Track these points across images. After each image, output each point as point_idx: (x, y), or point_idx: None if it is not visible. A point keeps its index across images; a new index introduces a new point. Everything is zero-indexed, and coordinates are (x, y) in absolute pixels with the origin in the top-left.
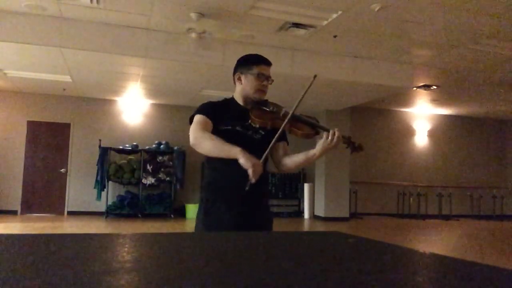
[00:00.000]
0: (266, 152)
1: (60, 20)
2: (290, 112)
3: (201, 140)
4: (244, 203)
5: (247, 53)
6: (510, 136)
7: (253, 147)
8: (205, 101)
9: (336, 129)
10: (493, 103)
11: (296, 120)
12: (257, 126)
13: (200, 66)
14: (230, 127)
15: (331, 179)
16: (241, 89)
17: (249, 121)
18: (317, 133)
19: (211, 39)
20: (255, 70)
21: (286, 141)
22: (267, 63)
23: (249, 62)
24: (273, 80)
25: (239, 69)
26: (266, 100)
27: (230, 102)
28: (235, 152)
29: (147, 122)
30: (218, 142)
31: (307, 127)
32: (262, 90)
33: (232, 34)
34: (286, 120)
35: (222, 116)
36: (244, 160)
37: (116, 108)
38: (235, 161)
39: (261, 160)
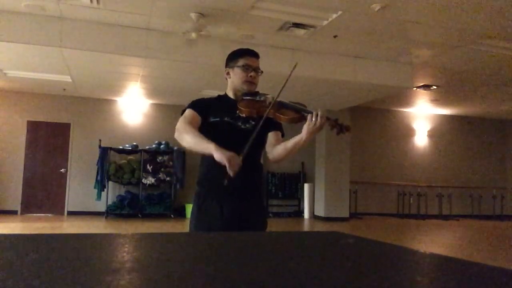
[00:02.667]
0: (249, 143)
1: (60, 20)
2: (274, 99)
3: (183, 134)
4: (234, 197)
5: None
6: (510, 136)
7: (244, 137)
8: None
9: (319, 110)
10: (493, 103)
11: (280, 106)
12: (244, 115)
13: (200, 66)
14: (218, 119)
15: (331, 179)
16: (230, 83)
17: (237, 112)
18: (303, 117)
19: (211, 39)
20: (241, 62)
21: (279, 130)
22: (253, 54)
23: (235, 56)
24: (262, 72)
25: (227, 64)
26: (257, 91)
27: (222, 97)
28: (210, 148)
29: (147, 122)
30: (197, 137)
31: (292, 112)
32: (250, 81)
33: (232, 34)
34: (269, 107)
35: (212, 110)
36: (218, 154)
37: (116, 108)
38: None
39: (243, 153)
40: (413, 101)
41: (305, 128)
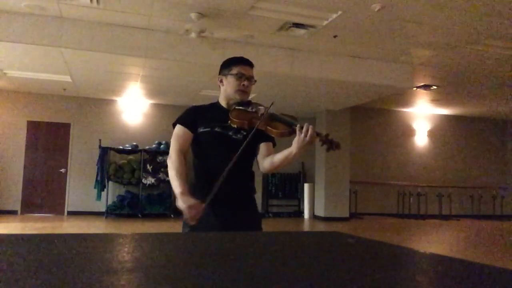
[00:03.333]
0: (219, 181)
1: (60, 20)
2: (265, 111)
3: (169, 165)
4: (229, 205)
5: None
6: (510, 136)
7: (235, 148)
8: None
9: (310, 126)
10: (493, 103)
11: (272, 119)
12: (236, 127)
13: (200, 66)
14: (209, 129)
15: (331, 179)
16: (223, 91)
17: (229, 121)
18: (294, 131)
19: (211, 39)
20: (235, 70)
21: (271, 141)
22: (247, 63)
23: (229, 64)
24: (255, 81)
25: (221, 71)
26: (250, 100)
27: (214, 105)
28: (177, 193)
29: (147, 122)
30: (173, 175)
31: (283, 125)
32: (242, 90)
33: (232, 34)
34: (260, 119)
35: (203, 119)
36: (179, 203)
37: (116, 108)
38: (217, 164)
39: (208, 198)
40: (413, 101)
41: (295, 142)
